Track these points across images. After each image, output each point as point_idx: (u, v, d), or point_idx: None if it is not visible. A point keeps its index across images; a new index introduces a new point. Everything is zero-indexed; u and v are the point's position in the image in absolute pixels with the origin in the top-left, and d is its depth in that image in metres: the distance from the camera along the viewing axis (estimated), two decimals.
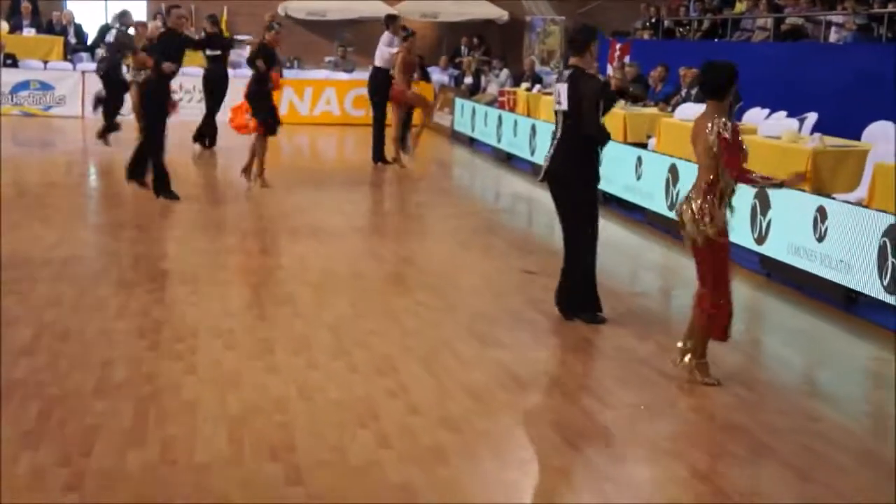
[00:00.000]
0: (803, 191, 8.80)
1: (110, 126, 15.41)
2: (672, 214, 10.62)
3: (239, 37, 20.32)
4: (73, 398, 5.43)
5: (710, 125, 6.01)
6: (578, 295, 7.33)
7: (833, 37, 15.07)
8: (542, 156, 15.25)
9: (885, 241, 7.35)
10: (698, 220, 6.01)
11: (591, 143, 7.35)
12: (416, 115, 16.15)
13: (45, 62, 21.12)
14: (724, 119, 6.02)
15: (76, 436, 4.94)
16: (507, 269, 9.11)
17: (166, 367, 5.99)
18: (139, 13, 23.19)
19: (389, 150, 15.53)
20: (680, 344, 6.26)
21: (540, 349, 6.78)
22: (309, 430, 5.14)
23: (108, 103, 15.49)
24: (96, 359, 6.07)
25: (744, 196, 9.21)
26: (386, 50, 15.69)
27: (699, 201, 6.04)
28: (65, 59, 21.30)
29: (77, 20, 22.51)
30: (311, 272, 8.60)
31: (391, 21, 16.34)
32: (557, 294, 7.38)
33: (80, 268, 8.42)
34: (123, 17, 16.27)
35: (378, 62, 15.82)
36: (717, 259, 6.08)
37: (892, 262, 7.27)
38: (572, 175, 7.38)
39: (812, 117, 11.62)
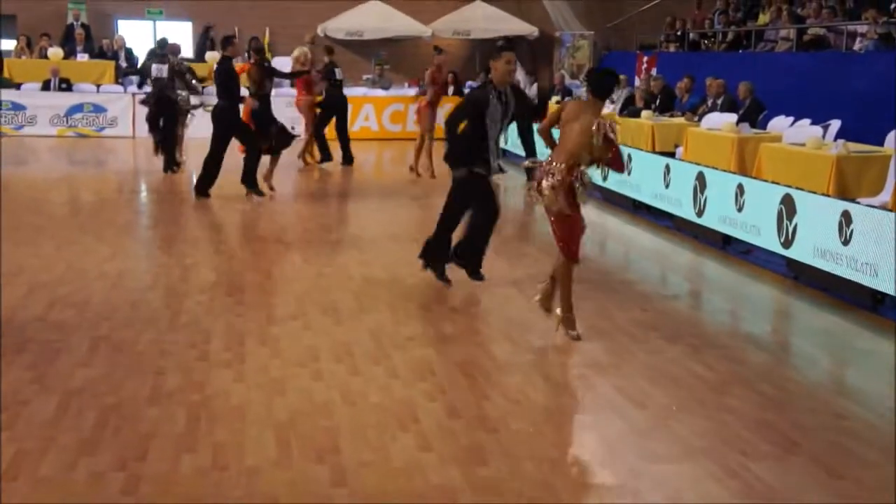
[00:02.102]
0: (828, 196, 8.93)
1: (171, 159, 15.62)
2: (700, 221, 10.83)
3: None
4: (128, 406, 5.58)
5: (596, 122, 6.84)
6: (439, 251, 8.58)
7: (855, 46, 15.15)
8: None
9: None
10: (554, 194, 7.09)
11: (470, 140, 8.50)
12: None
13: (98, 86, 21.65)
14: (610, 121, 6.95)
15: (131, 442, 5.07)
16: (539, 275, 9.19)
17: (216, 375, 6.14)
18: (185, 34, 23.73)
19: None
20: (540, 285, 7.34)
21: (572, 351, 6.90)
22: (352, 433, 5.26)
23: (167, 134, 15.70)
24: (149, 368, 6.24)
25: (770, 201, 9.36)
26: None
27: (558, 179, 7.05)
28: (116, 82, 21.81)
29: (127, 44, 23.06)
30: (353, 281, 8.81)
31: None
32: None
33: (133, 280, 8.64)
34: (164, 46, 16.68)
35: None
36: (570, 225, 7.22)
37: None
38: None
39: (835, 124, 11.74)
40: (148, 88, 17.29)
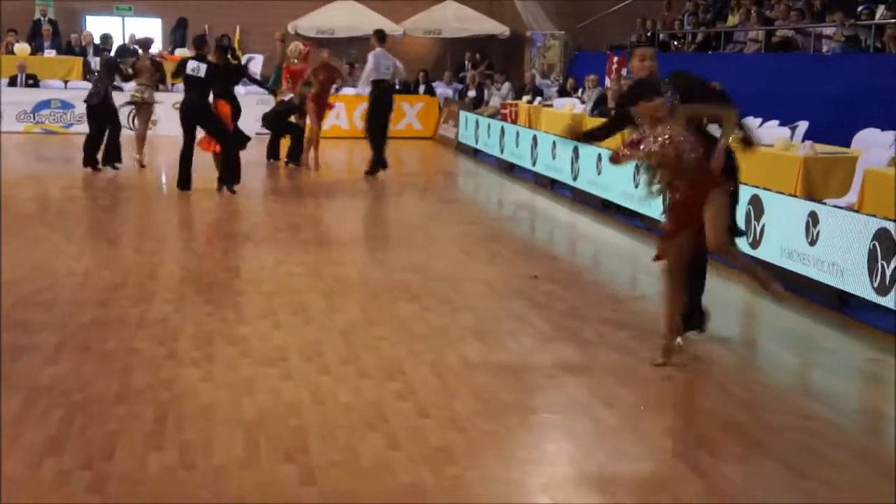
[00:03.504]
0: (795, 196, 8.99)
1: (110, 157, 15.40)
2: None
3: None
4: (96, 404, 5.54)
5: None
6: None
7: (822, 48, 15.31)
8: (544, 165, 15.63)
9: (874, 245, 7.50)
10: None
11: None
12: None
13: (66, 82, 21.51)
14: None
15: (98, 440, 5.04)
16: (511, 275, 9.26)
17: (184, 374, 6.11)
18: (154, 31, 23.60)
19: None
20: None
21: (542, 352, 6.90)
22: (321, 432, 5.25)
23: (103, 134, 15.39)
24: (117, 366, 6.20)
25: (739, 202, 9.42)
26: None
27: None
28: (84, 78, 21.59)
29: (96, 40, 22.88)
30: (323, 280, 8.78)
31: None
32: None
33: (101, 279, 8.57)
34: (107, 41, 16.57)
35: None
36: None
37: (882, 265, 7.41)
38: None
39: (803, 125, 11.86)
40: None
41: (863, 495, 4.84)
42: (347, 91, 22.54)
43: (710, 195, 6.49)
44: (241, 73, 14.04)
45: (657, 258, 6.77)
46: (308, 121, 16.44)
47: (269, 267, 9.30)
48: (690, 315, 7.03)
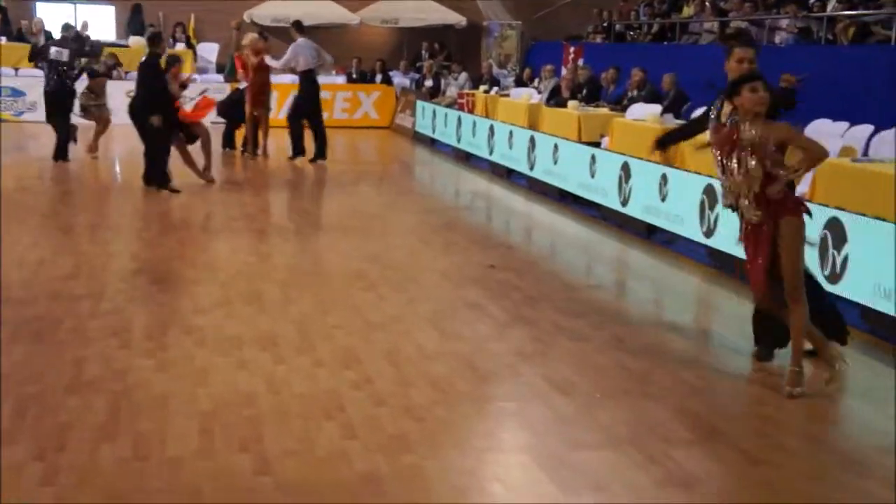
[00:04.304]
0: None
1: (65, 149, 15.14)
2: (625, 210, 10.95)
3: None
4: (48, 395, 5.48)
5: None
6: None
7: (775, 39, 15.46)
8: (500, 154, 15.64)
9: (826, 234, 7.59)
10: None
11: None
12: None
13: (17, 69, 21.12)
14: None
15: (50, 432, 4.99)
16: (467, 264, 9.27)
17: (137, 365, 6.06)
18: (107, 18, 23.29)
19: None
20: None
21: (498, 341, 6.91)
22: (276, 422, 5.23)
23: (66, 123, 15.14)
24: (69, 357, 6.13)
25: (693, 192, 9.49)
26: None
27: None
28: (36, 66, 21.19)
29: (47, 27, 22.53)
30: (278, 270, 8.75)
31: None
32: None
33: (54, 269, 8.47)
34: (68, 30, 16.29)
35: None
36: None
37: (833, 254, 7.50)
38: None
39: None
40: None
41: (815, 480, 4.89)
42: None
43: (780, 226, 6.12)
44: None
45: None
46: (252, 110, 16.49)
47: (224, 256, 9.24)
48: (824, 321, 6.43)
